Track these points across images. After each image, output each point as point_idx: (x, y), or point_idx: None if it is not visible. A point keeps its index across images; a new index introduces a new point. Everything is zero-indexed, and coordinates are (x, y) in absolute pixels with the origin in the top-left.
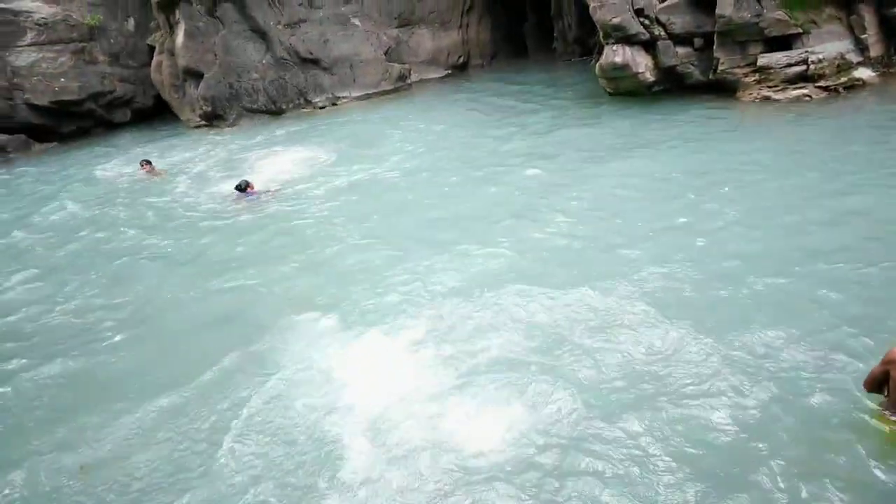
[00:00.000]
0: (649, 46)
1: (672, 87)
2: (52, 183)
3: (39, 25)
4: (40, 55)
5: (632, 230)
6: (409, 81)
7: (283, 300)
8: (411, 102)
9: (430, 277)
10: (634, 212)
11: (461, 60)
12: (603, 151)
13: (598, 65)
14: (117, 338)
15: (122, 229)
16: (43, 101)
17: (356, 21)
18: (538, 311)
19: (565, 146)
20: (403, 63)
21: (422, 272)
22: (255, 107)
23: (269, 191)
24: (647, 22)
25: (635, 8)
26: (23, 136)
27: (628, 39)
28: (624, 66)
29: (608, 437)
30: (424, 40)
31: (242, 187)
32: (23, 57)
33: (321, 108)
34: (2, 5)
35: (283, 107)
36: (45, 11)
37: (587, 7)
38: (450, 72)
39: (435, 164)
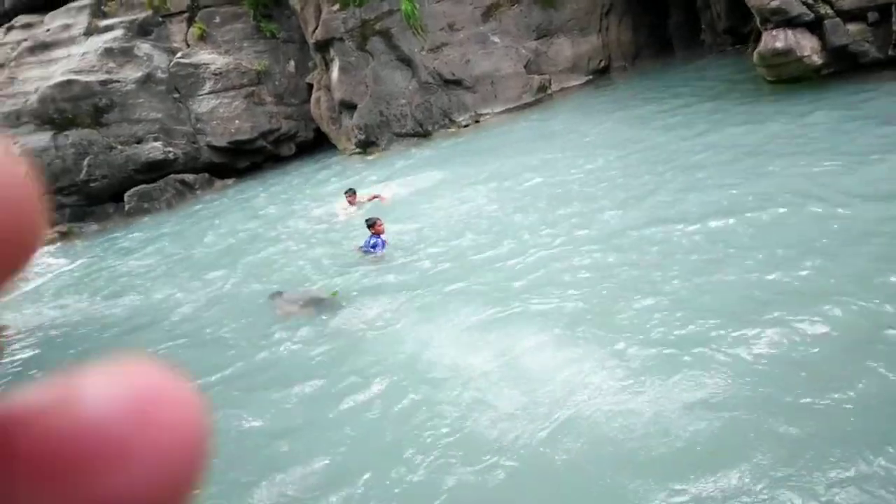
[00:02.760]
0: (814, 27)
1: (844, 67)
2: (245, 209)
3: (216, 75)
4: (218, 101)
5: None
6: (549, 91)
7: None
8: (556, 111)
9: None
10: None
11: (602, 65)
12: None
13: (756, 53)
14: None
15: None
16: (222, 142)
17: (495, 38)
18: None
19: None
20: (543, 73)
21: None
22: (403, 131)
23: None
24: (810, 1)
25: None
26: (206, 175)
27: (790, 22)
28: (787, 52)
29: None
30: (563, 48)
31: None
32: (203, 104)
33: (465, 126)
34: (184, 61)
35: (430, 128)
36: (220, 62)
37: None
38: (591, 77)
39: (617, 166)
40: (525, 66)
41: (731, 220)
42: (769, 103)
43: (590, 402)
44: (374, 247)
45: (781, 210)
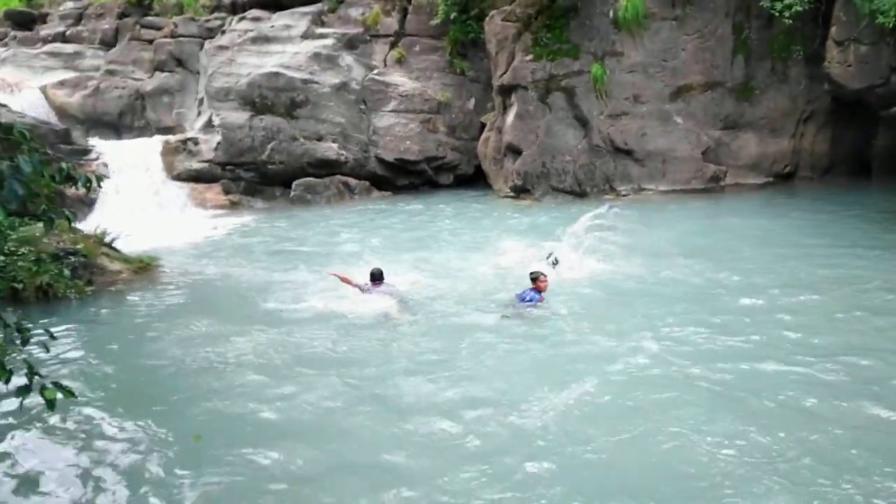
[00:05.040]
0: None
1: None
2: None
3: (402, 96)
4: (396, 120)
5: None
6: (722, 183)
7: None
8: (727, 204)
9: None
10: None
11: (787, 170)
12: None
13: None
14: None
15: None
16: (389, 157)
17: (678, 119)
18: None
19: None
20: (720, 164)
21: None
22: (561, 186)
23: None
24: None
25: None
26: (367, 183)
27: None
28: None
29: None
30: (749, 144)
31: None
32: (384, 119)
33: (624, 195)
34: (378, 78)
35: (588, 190)
36: (408, 86)
37: None
38: (771, 180)
39: (789, 277)
40: (703, 153)
41: None
42: None
43: None
44: (529, 300)
45: None
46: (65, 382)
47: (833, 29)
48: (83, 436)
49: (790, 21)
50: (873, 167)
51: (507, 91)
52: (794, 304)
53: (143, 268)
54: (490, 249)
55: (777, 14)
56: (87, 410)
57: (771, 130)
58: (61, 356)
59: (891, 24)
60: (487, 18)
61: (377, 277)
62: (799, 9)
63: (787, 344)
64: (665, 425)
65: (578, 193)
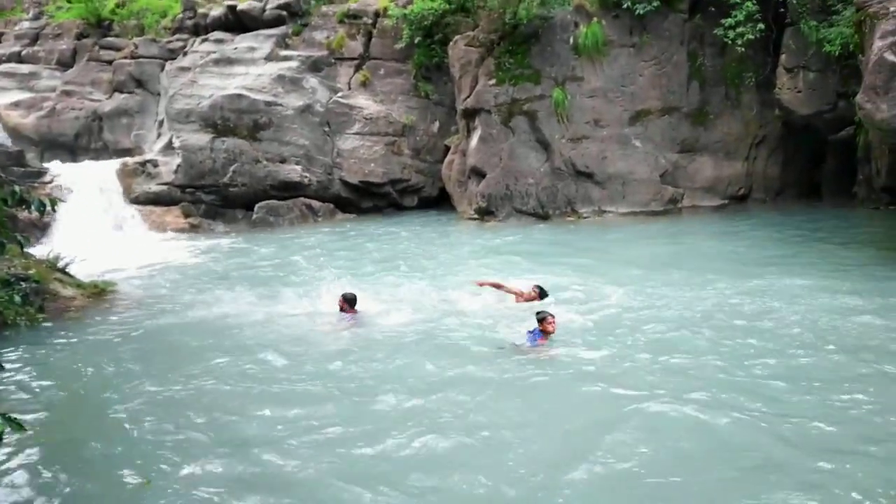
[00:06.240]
0: None
1: None
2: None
3: (366, 119)
4: (361, 142)
5: None
6: (679, 206)
7: None
8: (686, 225)
9: None
10: None
11: (741, 192)
12: None
13: None
14: None
15: None
16: (354, 179)
17: (637, 142)
18: None
19: None
20: (677, 187)
21: None
22: (524, 208)
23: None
24: None
25: None
26: (331, 206)
27: None
28: None
29: None
30: (704, 167)
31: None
32: (348, 142)
33: (585, 217)
34: (343, 100)
35: (550, 212)
36: (373, 109)
37: None
38: (726, 202)
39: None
40: (661, 175)
41: None
42: None
43: None
44: (533, 341)
45: None
46: (13, 414)
47: (783, 56)
48: (26, 474)
49: (742, 49)
50: (823, 189)
51: (470, 114)
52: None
53: (98, 294)
54: (457, 274)
55: (730, 42)
56: (33, 444)
57: (725, 154)
58: (9, 386)
59: (836, 52)
60: (451, 43)
61: (353, 304)
62: (750, 37)
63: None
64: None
65: (541, 215)
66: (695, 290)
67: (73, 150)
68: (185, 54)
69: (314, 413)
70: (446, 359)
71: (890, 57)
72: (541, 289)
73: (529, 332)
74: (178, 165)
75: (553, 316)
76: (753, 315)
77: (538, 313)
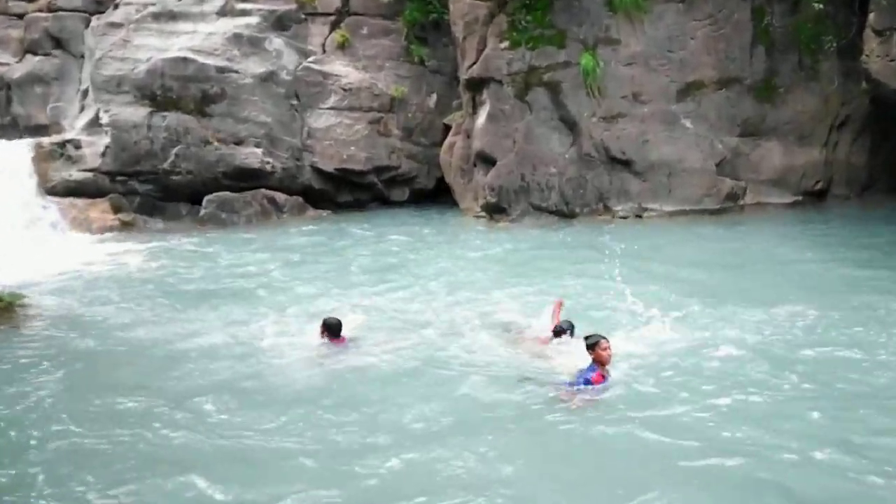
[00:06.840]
0: None
1: None
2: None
3: (345, 90)
4: (338, 120)
5: None
6: (741, 202)
7: None
8: (751, 228)
9: None
10: None
11: (818, 186)
12: None
13: None
14: None
15: None
16: (329, 166)
17: (687, 122)
18: None
19: None
20: (738, 179)
21: None
22: (544, 205)
23: None
24: None
25: None
26: (299, 199)
27: None
28: None
29: None
30: (772, 155)
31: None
32: (322, 119)
33: (622, 217)
34: (315, 66)
35: (577, 210)
36: (354, 77)
37: None
38: (800, 198)
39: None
40: (717, 164)
41: None
42: None
43: None
44: (586, 382)
45: None
46: None
47: (871, 16)
48: None
49: (820, 5)
50: None
51: (476, 86)
52: None
53: (3, 309)
54: (464, 288)
55: None
56: None
57: (798, 138)
58: None
59: None
60: None
61: (336, 331)
62: None
63: None
64: None
65: (566, 214)
66: (769, 314)
67: None
68: (115, 7)
69: (278, 478)
70: (456, 401)
71: None
72: (559, 328)
73: (579, 370)
74: (107, 147)
75: (606, 339)
76: (848, 346)
77: (587, 338)
